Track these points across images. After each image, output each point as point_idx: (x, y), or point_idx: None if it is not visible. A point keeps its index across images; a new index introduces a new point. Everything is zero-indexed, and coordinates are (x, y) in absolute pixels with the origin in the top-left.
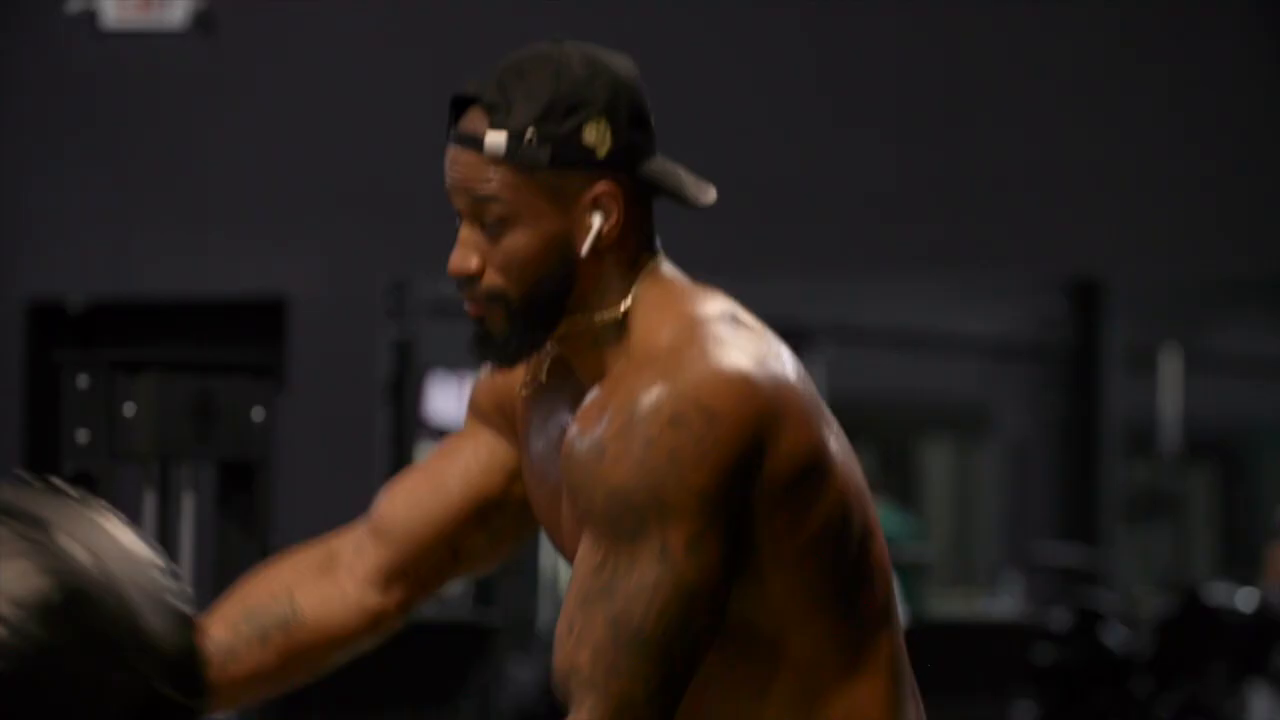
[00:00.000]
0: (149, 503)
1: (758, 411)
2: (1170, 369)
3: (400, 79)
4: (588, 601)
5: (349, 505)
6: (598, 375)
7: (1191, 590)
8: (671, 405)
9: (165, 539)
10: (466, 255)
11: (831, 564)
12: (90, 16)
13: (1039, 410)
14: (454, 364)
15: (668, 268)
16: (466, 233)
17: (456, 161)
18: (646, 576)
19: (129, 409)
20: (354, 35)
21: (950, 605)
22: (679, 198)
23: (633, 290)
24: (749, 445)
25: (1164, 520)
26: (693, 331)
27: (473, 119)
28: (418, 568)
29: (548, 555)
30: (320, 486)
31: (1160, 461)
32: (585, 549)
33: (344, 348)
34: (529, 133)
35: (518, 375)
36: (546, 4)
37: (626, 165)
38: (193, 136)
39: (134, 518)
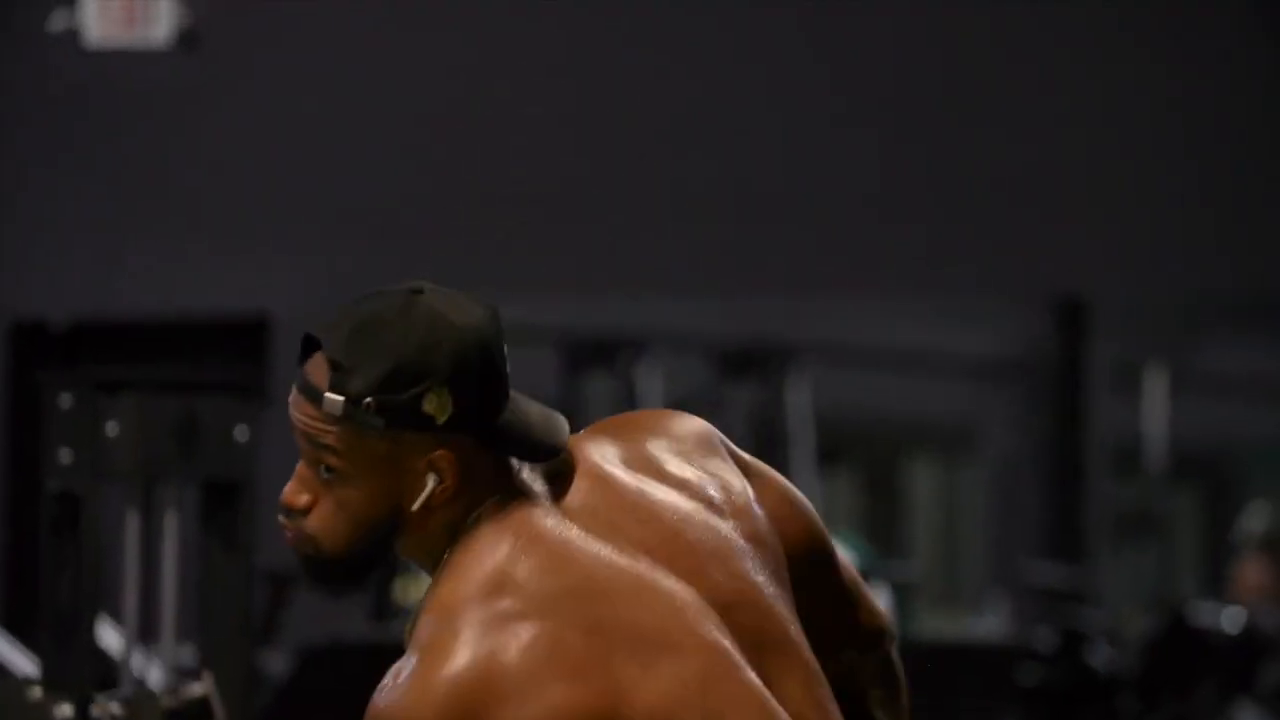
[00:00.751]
0: (132, 523)
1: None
2: (1156, 388)
3: (384, 97)
4: None
5: None
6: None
7: (1178, 610)
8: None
9: (148, 559)
10: (298, 491)
11: None
12: (73, 34)
13: (1024, 429)
14: None
15: (510, 511)
16: (302, 469)
17: (296, 405)
18: None
19: (112, 428)
20: (337, 53)
21: (935, 625)
22: (520, 454)
23: (457, 539)
24: None
25: (1150, 540)
26: (447, 622)
27: (317, 368)
28: None
29: None
30: None
31: (1146, 481)
32: None
33: None
34: (367, 400)
35: None
36: (528, 25)
37: (468, 428)
38: (175, 154)
39: (117, 538)
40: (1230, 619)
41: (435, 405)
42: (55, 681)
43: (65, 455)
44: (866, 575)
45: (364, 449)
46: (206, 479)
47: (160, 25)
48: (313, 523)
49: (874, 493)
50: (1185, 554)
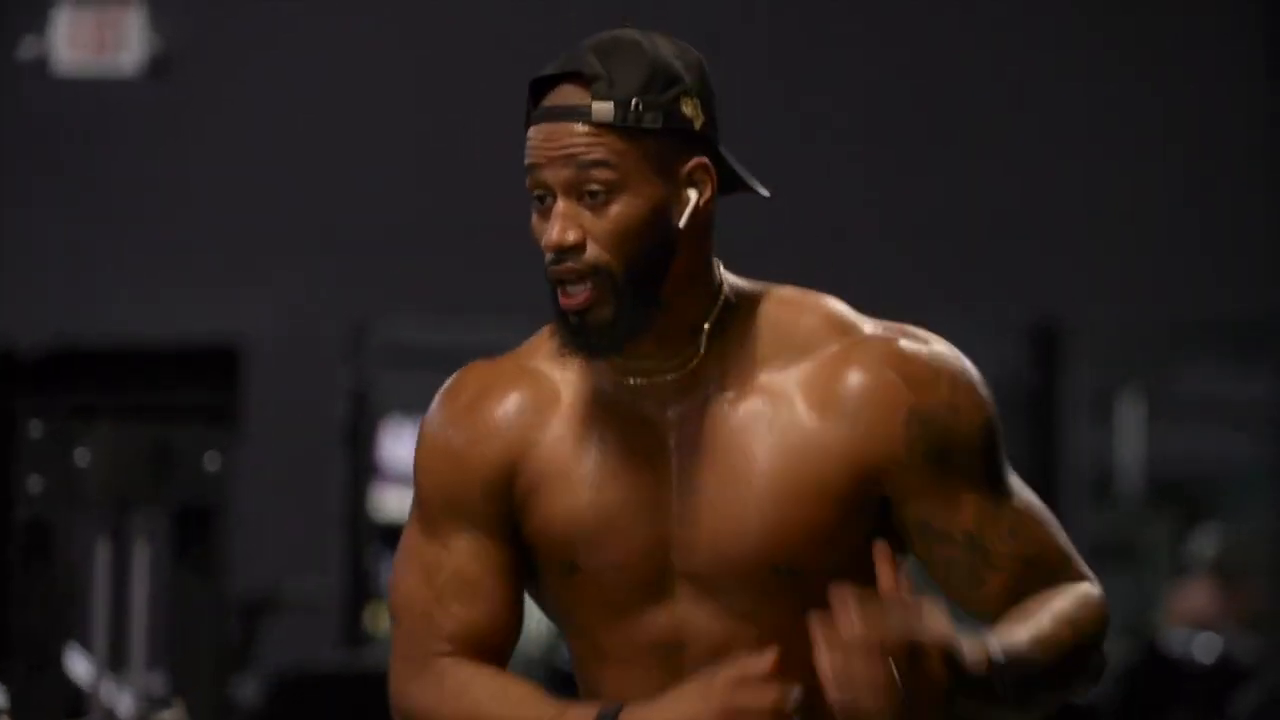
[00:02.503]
0: (103, 551)
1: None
2: (1132, 415)
3: (355, 123)
4: (1016, 536)
5: (305, 552)
6: (712, 365)
7: (1153, 638)
8: (960, 364)
9: (120, 587)
10: (566, 228)
11: None
12: (42, 62)
13: None
14: (410, 410)
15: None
16: (565, 206)
17: (556, 134)
18: (1032, 498)
19: (82, 456)
20: (308, 79)
21: None
22: (749, 185)
23: (718, 281)
24: None
25: (1126, 567)
26: (860, 318)
27: (567, 93)
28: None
29: None
30: (276, 533)
31: (1122, 508)
32: (974, 505)
33: (299, 393)
34: (634, 101)
35: (499, 435)
36: (497, 53)
37: (714, 143)
38: (147, 182)
39: (88, 566)
40: (1205, 647)
41: (691, 110)
42: (25, 710)
43: (35, 484)
44: None
45: (634, 155)
46: (178, 507)
47: (131, 52)
48: (593, 253)
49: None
50: (1161, 582)
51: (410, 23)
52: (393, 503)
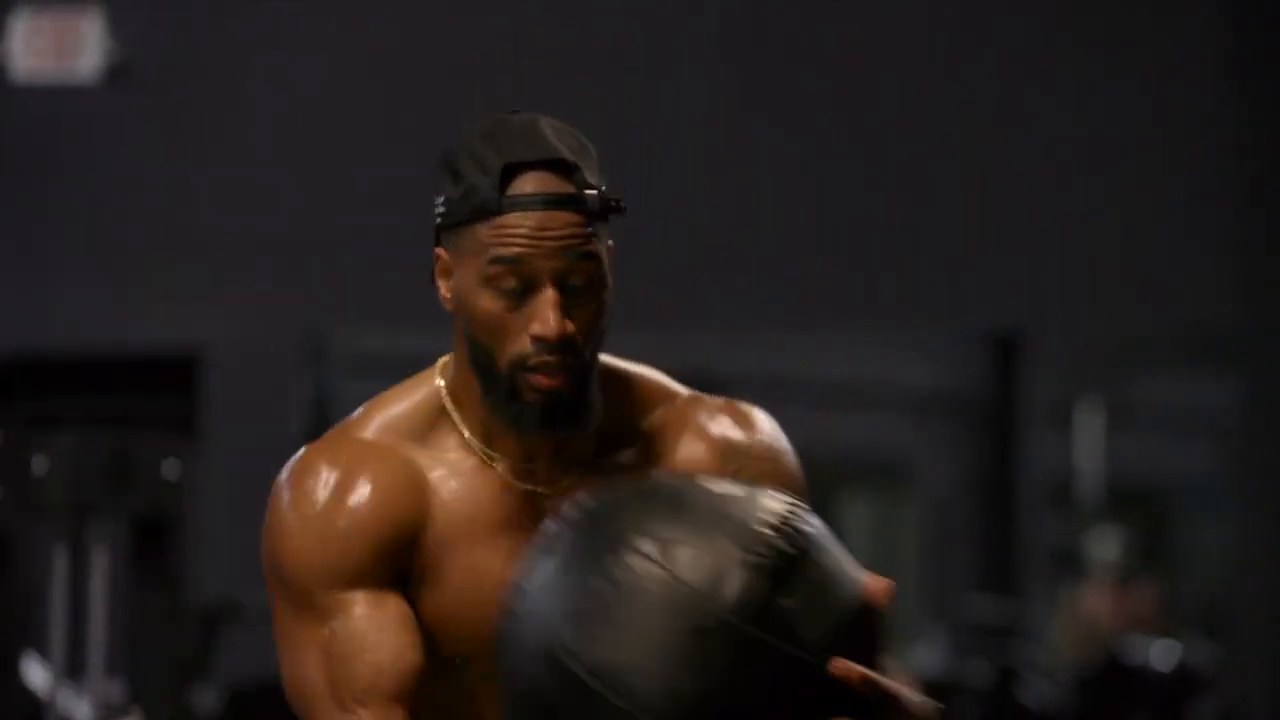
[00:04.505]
0: (61, 559)
1: None
2: (1090, 423)
3: (315, 130)
4: None
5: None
6: (587, 452)
7: (1111, 646)
8: (767, 418)
9: (78, 595)
10: (564, 319)
11: None
12: None
13: (959, 464)
14: None
15: None
16: (558, 296)
17: (550, 223)
18: None
19: (40, 464)
20: (267, 87)
21: None
22: None
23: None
24: None
25: (1084, 574)
26: (674, 389)
27: (552, 181)
28: None
29: None
30: (235, 542)
31: (1081, 516)
32: None
33: (259, 402)
34: (603, 190)
35: (405, 505)
36: (465, 60)
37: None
38: (105, 189)
39: (46, 574)
40: (1163, 654)
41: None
42: None
43: None
44: None
45: (604, 243)
46: (137, 515)
47: (89, 59)
48: (588, 348)
49: None
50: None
51: (370, 32)
52: None
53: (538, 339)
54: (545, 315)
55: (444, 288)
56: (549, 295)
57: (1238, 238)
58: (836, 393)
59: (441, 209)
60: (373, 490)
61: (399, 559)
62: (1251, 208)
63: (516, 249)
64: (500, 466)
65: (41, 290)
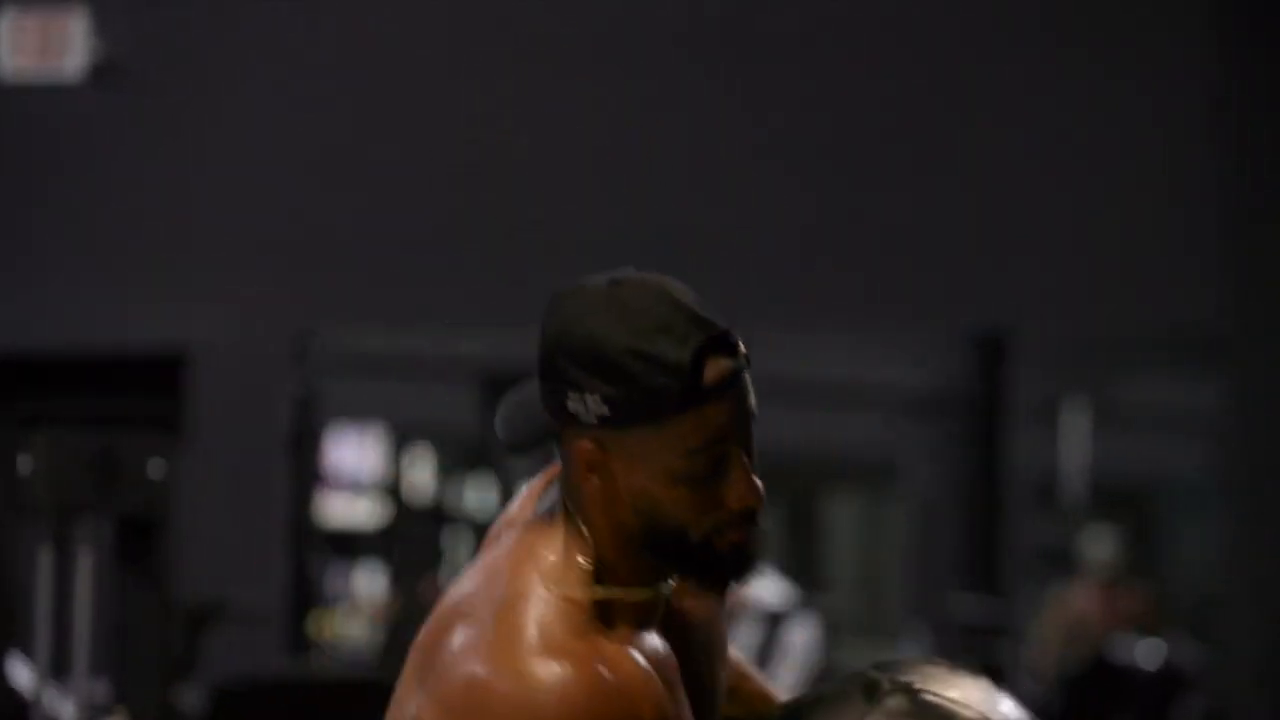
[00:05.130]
0: (46, 558)
1: None
2: (1076, 423)
3: (302, 130)
4: None
5: (250, 559)
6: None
7: (1097, 645)
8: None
9: (63, 594)
10: (760, 484)
11: None
12: None
13: (944, 463)
14: (356, 417)
15: None
16: (749, 463)
17: (745, 396)
18: None
19: (25, 464)
20: (253, 87)
21: (856, 658)
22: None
23: None
24: None
25: (1071, 574)
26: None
27: (727, 360)
28: None
29: None
30: (221, 541)
31: (1066, 515)
32: None
33: (244, 401)
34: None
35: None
36: (449, 63)
37: None
38: (90, 189)
39: (31, 573)
40: (1148, 653)
41: None
42: None
43: None
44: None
45: None
46: (122, 514)
47: (74, 58)
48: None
49: (795, 527)
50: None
51: (355, 32)
52: (337, 510)
53: (743, 512)
54: (750, 487)
55: (594, 480)
56: (744, 467)
57: (1224, 238)
58: (823, 392)
59: (598, 408)
60: (637, 694)
61: None
62: (1237, 208)
63: (724, 431)
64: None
65: (26, 290)
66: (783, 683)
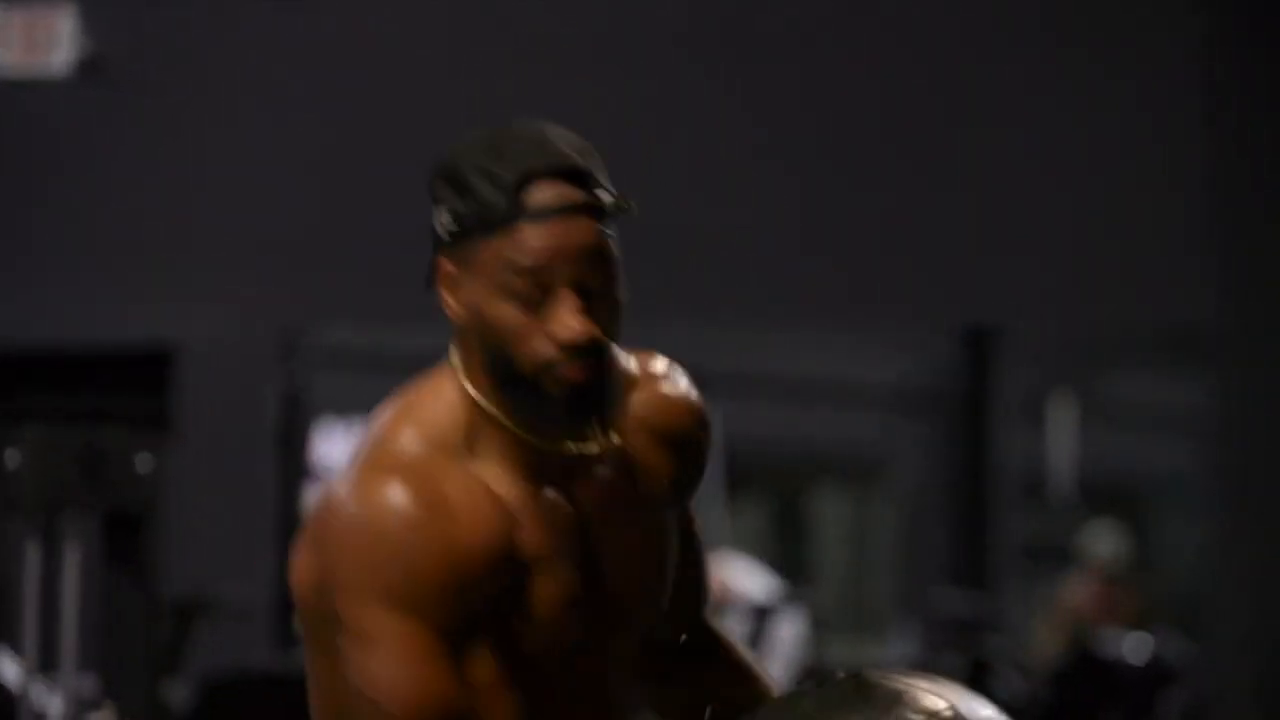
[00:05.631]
0: (33, 553)
1: None
2: (1063, 418)
3: (291, 126)
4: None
5: (237, 554)
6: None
7: (1084, 639)
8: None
9: (50, 589)
10: (589, 322)
11: None
12: None
13: (933, 458)
14: (343, 413)
15: None
16: (577, 301)
17: (573, 232)
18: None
19: (13, 459)
20: (241, 83)
21: (843, 654)
22: None
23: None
24: None
25: (1058, 569)
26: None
27: (568, 190)
28: None
29: None
30: (209, 536)
31: (1054, 510)
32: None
33: (232, 396)
34: (618, 194)
35: (482, 513)
36: (439, 57)
37: None
38: (77, 184)
39: (18, 568)
40: (1135, 647)
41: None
42: None
43: None
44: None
45: (618, 248)
46: (109, 509)
47: (62, 54)
48: (608, 344)
49: (783, 522)
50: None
51: (346, 27)
52: None
53: (564, 345)
54: (569, 321)
55: (449, 298)
56: (570, 301)
57: (1212, 235)
58: (811, 388)
59: (448, 223)
60: (457, 520)
61: (482, 586)
62: (1226, 205)
63: (545, 260)
64: (526, 448)
65: (14, 286)
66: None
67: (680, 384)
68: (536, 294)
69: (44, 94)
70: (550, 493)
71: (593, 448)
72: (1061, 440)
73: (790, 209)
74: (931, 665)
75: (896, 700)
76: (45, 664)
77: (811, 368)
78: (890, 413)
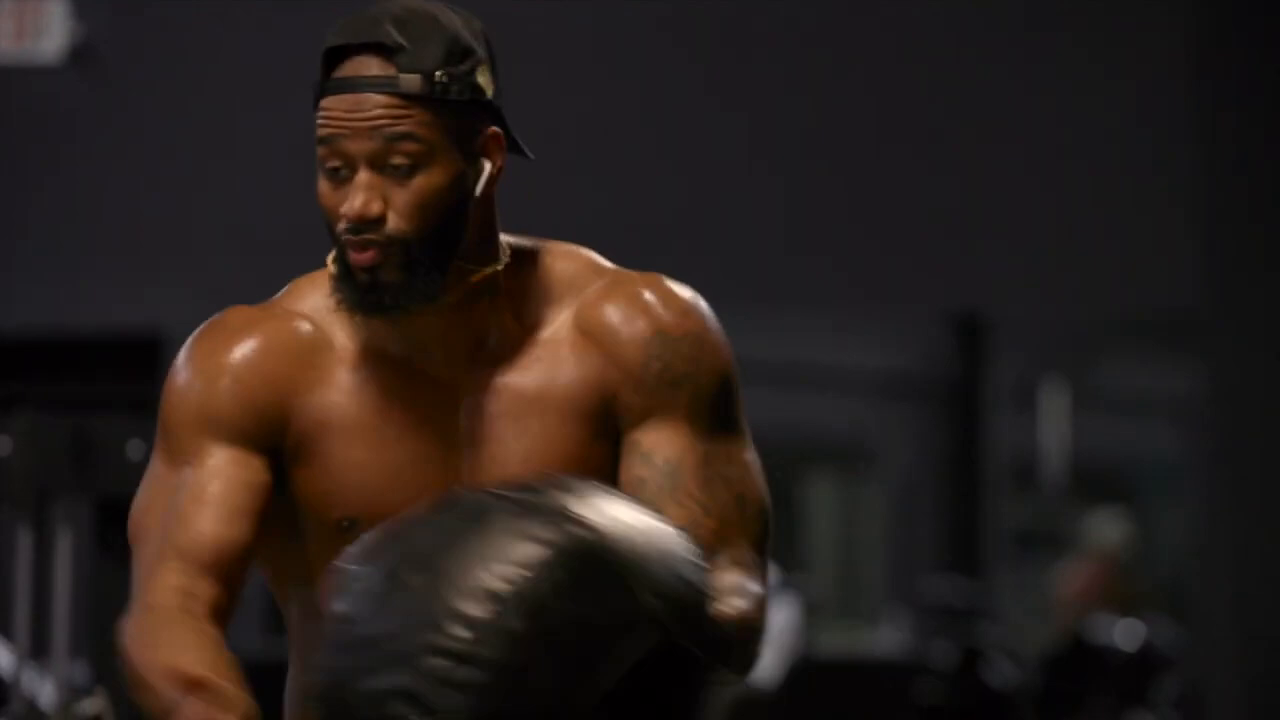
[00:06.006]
0: (24, 540)
1: None
2: (1055, 405)
3: (277, 115)
4: (710, 484)
5: None
6: (484, 337)
7: (1075, 626)
8: (698, 301)
9: (42, 576)
10: (370, 200)
11: None
12: None
13: (924, 446)
14: None
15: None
16: (368, 178)
17: (361, 105)
18: (751, 455)
19: (3, 446)
20: (231, 68)
21: (834, 641)
22: (524, 153)
23: (501, 247)
24: None
25: (1049, 556)
26: (605, 265)
27: (369, 64)
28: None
29: None
30: None
31: (1045, 497)
32: (686, 439)
33: None
34: (439, 74)
35: (284, 372)
36: None
37: (499, 117)
38: (68, 171)
39: (9, 555)
40: (1126, 634)
41: (484, 80)
42: None
43: None
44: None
45: (437, 128)
46: (100, 496)
47: (52, 40)
48: (393, 224)
49: (773, 508)
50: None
51: (339, 14)
52: None
53: (344, 218)
54: (352, 196)
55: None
56: (360, 177)
57: (1202, 222)
58: (802, 374)
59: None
60: (257, 348)
61: (272, 421)
62: (1216, 192)
63: (330, 130)
64: (396, 349)
65: (4, 273)
66: (762, 665)
67: (648, 309)
68: (344, 169)
69: (35, 81)
70: (389, 370)
71: (457, 339)
72: (1052, 427)
73: (781, 196)
74: (923, 652)
75: (518, 520)
76: (37, 651)
77: (803, 354)
78: (881, 400)
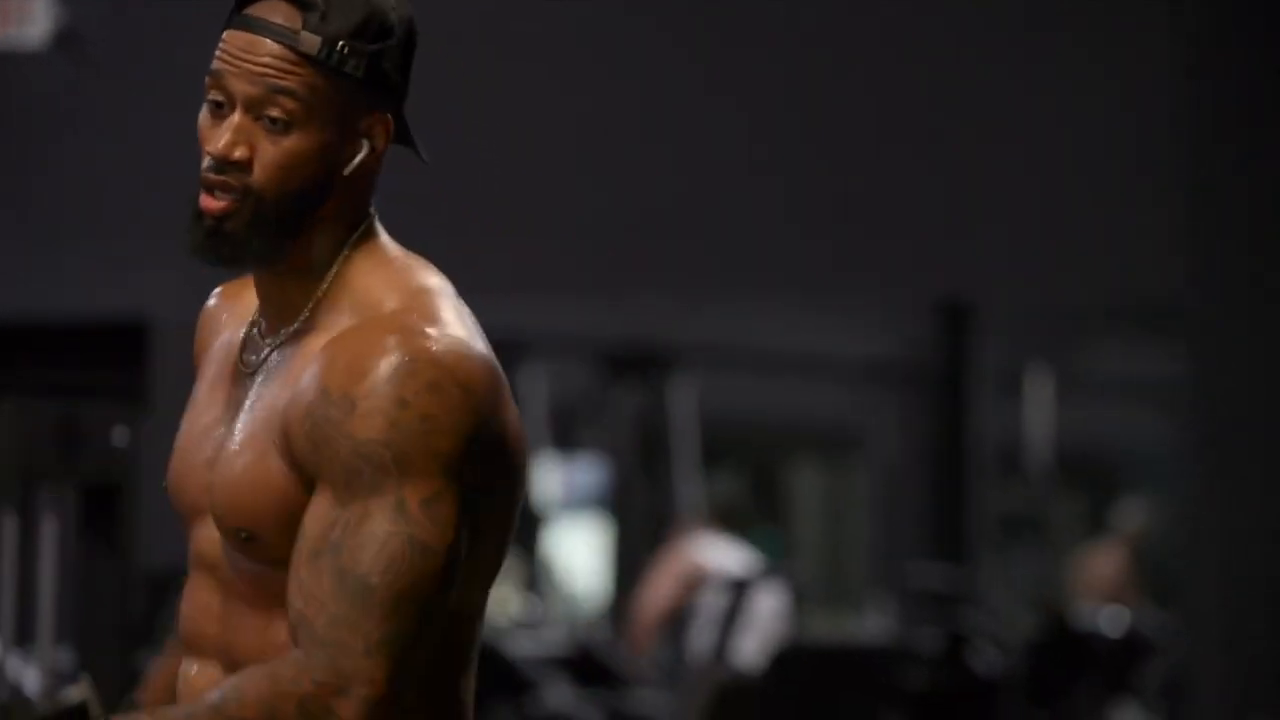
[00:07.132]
0: (9, 526)
1: (497, 390)
2: (1040, 391)
3: None
4: (317, 555)
5: None
6: (293, 320)
7: (1060, 612)
8: (429, 372)
9: (27, 563)
10: (237, 142)
11: (497, 546)
12: None
13: (909, 432)
14: None
15: (381, 230)
16: (241, 120)
17: (256, 47)
18: (378, 530)
19: None
20: (213, 56)
21: (819, 627)
22: (417, 152)
23: (353, 238)
24: (488, 422)
25: (1035, 542)
26: (424, 301)
27: (277, 10)
28: None
29: None
30: None
31: (1030, 483)
32: (318, 507)
33: None
34: (342, 43)
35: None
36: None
37: (396, 106)
38: (52, 157)
39: None
40: (1112, 620)
41: (391, 65)
42: None
43: None
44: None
45: (324, 94)
46: (85, 483)
47: (37, 25)
48: (256, 176)
49: (758, 495)
50: (1069, 556)
51: None
52: None
53: (208, 154)
54: (219, 134)
55: None
56: (234, 118)
57: (1187, 208)
58: (787, 361)
59: None
60: (217, 308)
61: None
62: (1199, 179)
63: (221, 64)
64: (257, 311)
65: None
66: (748, 651)
67: (331, 364)
68: (223, 104)
69: (20, 66)
70: (240, 333)
71: (280, 319)
72: (1037, 414)
73: (766, 182)
74: (909, 639)
75: None
76: (22, 637)
77: (787, 341)
78: (866, 386)
